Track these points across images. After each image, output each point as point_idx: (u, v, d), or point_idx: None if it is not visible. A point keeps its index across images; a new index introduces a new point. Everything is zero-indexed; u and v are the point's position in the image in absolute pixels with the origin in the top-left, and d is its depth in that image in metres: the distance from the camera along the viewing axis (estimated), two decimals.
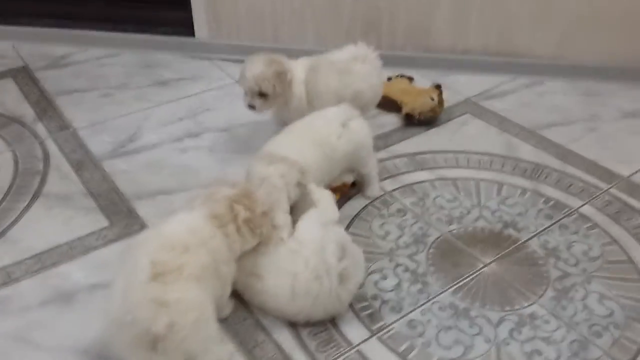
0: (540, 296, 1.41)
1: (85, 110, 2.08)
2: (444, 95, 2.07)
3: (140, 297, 1.05)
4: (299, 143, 1.51)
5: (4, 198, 1.67)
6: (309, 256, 1.26)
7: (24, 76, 2.29)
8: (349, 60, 1.79)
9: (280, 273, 1.28)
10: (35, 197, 1.68)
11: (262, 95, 1.71)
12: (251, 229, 1.25)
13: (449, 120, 2.07)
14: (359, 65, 1.79)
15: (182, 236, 1.16)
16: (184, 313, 1.06)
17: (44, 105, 2.10)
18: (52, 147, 1.88)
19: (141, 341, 1.04)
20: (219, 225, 1.21)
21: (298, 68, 1.77)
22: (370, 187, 1.70)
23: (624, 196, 1.72)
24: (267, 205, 1.29)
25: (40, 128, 1.98)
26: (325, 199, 1.41)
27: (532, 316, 1.36)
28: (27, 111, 2.07)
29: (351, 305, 1.35)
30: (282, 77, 1.70)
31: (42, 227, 1.58)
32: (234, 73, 2.33)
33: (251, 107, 1.74)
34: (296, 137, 1.55)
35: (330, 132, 1.54)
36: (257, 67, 1.69)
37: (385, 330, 1.31)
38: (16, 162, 1.82)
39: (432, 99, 2.00)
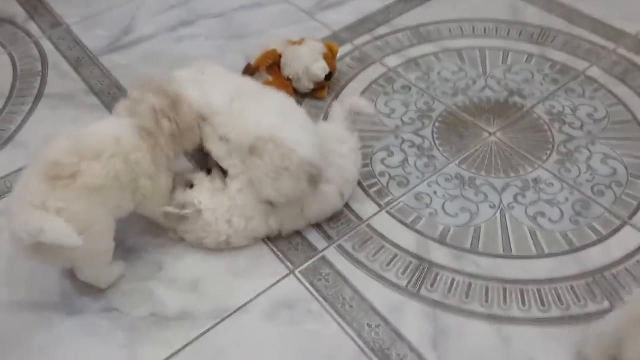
0: (545, 161, 1.43)
1: (75, 5, 2.01)
2: None
3: (29, 197, 1.03)
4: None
5: (7, 102, 1.66)
6: None
7: None
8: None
9: None
10: (38, 98, 1.67)
11: None
12: (178, 141, 1.19)
13: None
14: None
15: (100, 142, 1.10)
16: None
17: (34, 3, 2.02)
18: (47, 46, 1.85)
19: (18, 245, 1.01)
20: (147, 138, 1.15)
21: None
22: None
23: (631, 55, 1.69)
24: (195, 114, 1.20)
25: (33, 27, 1.93)
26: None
27: (537, 180, 1.39)
28: (17, 10, 2.00)
29: (360, 183, 1.38)
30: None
31: (50, 128, 1.58)
32: None
33: None
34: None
35: None
36: None
37: (394, 204, 1.36)
38: (14, 64, 1.79)
39: None
